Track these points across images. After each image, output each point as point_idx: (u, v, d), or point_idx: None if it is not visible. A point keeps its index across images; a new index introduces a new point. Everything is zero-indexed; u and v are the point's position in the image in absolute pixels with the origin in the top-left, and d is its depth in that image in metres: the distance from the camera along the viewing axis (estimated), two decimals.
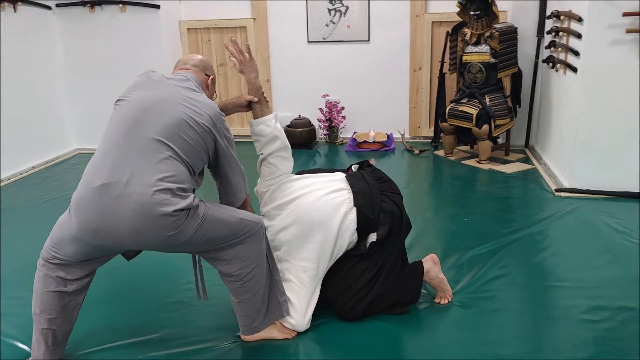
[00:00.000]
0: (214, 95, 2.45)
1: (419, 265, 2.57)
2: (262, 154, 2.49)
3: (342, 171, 2.63)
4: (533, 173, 4.54)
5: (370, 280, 2.44)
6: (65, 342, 2.23)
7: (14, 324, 2.53)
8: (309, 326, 2.39)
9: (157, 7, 5.31)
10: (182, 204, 1.93)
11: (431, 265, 2.57)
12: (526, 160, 4.91)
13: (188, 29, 5.77)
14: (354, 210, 2.38)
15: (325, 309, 2.50)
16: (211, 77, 2.41)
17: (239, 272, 2.21)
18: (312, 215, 2.35)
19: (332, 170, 2.62)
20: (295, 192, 2.37)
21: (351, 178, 2.50)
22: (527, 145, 5.27)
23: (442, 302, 2.58)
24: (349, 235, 2.39)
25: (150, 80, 2.25)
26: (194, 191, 2.10)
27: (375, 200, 2.42)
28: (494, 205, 3.85)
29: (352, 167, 2.70)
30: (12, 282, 2.93)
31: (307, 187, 2.40)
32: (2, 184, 4.70)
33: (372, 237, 2.42)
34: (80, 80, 5.62)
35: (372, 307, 2.45)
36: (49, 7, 5.34)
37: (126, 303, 2.72)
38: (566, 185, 4.07)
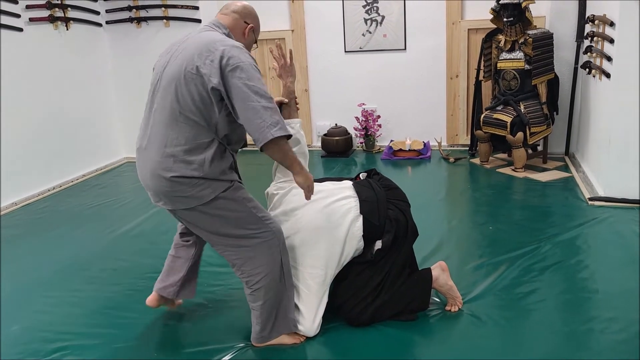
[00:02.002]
0: (254, 46, 2.40)
1: (427, 272, 2.59)
2: None
3: (350, 179, 2.69)
4: (569, 181, 4.43)
5: (377, 286, 2.48)
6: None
7: (45, 320, 2.73)
8: (318, 331, 2.46)
9: (199, 21, 5.53)
10: (184, 171, 2.10)
11: (439, 272, 2.59)
12: (565, 168, 4.80)
13: None
14: (361, 217, 2.44)
15: (333, 314, 2.56)
16: (250, 25, 2.33)
17: (248, 278, 2.30)
18: (319, 222, 2.41)
19: (341, 179, 2.68)
20: (303, 198, 2.46)
21: (358, 186, 2.56)
22: (567, 152, 5.14)
23: (452, 309, 2.59)
24: (356, 243, 2.45)
25: (173, 44, 2.29)
26: (219, 146, 2.15)
27: (382, 207, 2.47)
28: (523, 214, 3.79)
29: (360, 175, 2.75)
30: (50, 282, 3.15)
31: (315, 195, 2.47)
32: (54, 191, 5.02)
33: (378, 244, 2.47)
34: (128, 93, 5.92)
35: (379, 313, 2.49)
36: (99, 24, 5.67)
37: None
38: (601, 194, 3.96)
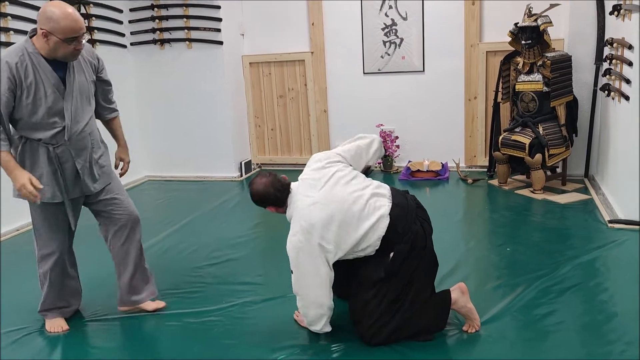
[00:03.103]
0: (72, 45, 2.39)
1: (446, 294, 2.59)
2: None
3: None
4: (589, 204, 4.40)
5: (392, 305, 2.49)
6: None
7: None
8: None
9: (221, 43, 5.65)
10: None
11: (459, 294, 2.59)
12: (584, 190, 4.77)
13: (250, 63, 6.08)
14: (388, 219, 2.47)
15: (349, 332, 2.57)
16: (42, 30, 2.36)
17: None
18: (351, 207, 2.44)
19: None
20: (348, 177, 2.53)
21: (394, 190, 2.62)
22: (586, 175, 5.11)
23: (469, 330, 2.58)
24: (374, 240, 2.46)
25: None
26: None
27: (409, 217, 2.51)
28: (541, 236, 3.78)
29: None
30: None
31: (363, 183, 2.55)
32: None
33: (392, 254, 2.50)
34: (150, 112, 6.04)
35: (396, 333, 2.50)
36: (124, 46, 5.82)
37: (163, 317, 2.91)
38: (621, 216, 3.93)
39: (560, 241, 3.66)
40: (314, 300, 2.51)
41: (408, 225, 2.49)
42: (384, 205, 2.49)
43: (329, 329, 2.58)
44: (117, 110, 2.98)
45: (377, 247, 2.48)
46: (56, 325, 2.80)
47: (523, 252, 3.51)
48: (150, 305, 2.96)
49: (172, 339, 2.70)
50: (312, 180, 2.54)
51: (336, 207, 2.42)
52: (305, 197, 2.49)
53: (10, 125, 2.52)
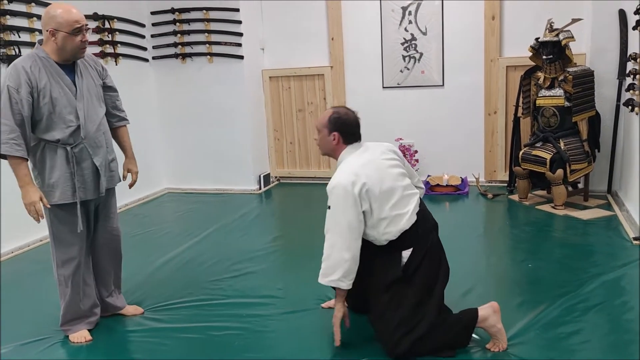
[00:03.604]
0: (78, 37, 2.55)
1: (473, 311, 2.56)
2: None
3: None
4: (612, 220, 4.35)
5: (416, 307, 2.49)
6: None
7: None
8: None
9: (242, 57, 5.71)
10: None
11: (490, 312, 2.55)
12: (607, 206, 4.71)
13: (270, 77, 6.13)
14: (415, 217, 2.55)
15: (371, 343, 2.56)
16: (49, 30, 2.54)
17: None
18: (393, 187, 2.55)
19: None
20: (399, 169, 2.66)
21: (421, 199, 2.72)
22: (609, 191, 5.05)
23: (493, 349, 2.55)
24: (396, 230, 2.52)
25: None
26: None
27: (428, 224, 2.60)
28: (564, 253, 3.73)
29: None
30: None
31: (406, 179, 2.66)
32: None
33: (405, 254, 2.54)
34: (171, 125, 6.10)
35: (417, 345, 2.47)
36: (146, 60, 5.91)
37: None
38: None
39: (584, 258, 3.61)
40: (341, 244, 2.49)
41: (427, 231, 2.60)
42: (415, 203, 2.59)
43: (345, 285, 2.52)
44: (126, 120, 3.05)
45: (393, 239, 2.53)
46: (79, 335, 2.82)
47: (545, 268, 3.46)
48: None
49: (194, 352, 2.69)
50: (373, 151, 2.64)
51: (383, 178, 2.53)
52: (362, 156, 2.59)
53: (36, 132, 2.63)
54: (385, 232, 2.54)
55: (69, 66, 2.66)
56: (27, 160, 2.58)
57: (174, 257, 4.02)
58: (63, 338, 2.86)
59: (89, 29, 2.66)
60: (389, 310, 2.50)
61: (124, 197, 5.63)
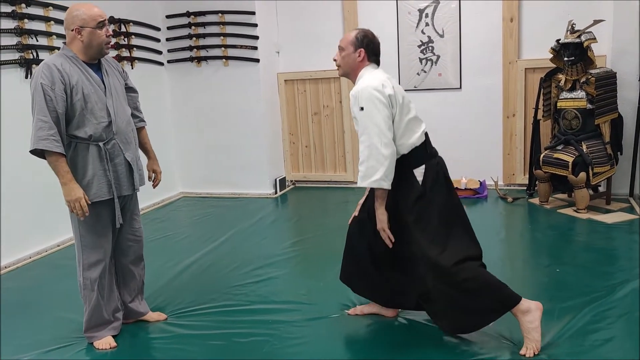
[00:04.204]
0: (103, 31, 2.60)
1: (515, 295, 2.52)
2: None
3: None
4: (636, 224, 4.28)
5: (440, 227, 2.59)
6: None
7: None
8: None
9: (257, 60, 5.68)
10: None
11: (534, 307, 2.51)
12: (630, 210, 4.64)
13: (285, 80, 6.10)
14: (424, 137, 2.70)
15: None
16: (74, 29, 2.57)
17: None
18: (410, 105, 2.67)
19: None
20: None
21: None
22: (631, 194, 4.98)
23: (527, 354, 2.49)
24: (407, 142, 2.60)
25: None
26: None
27: (434, 149, 2.76)
28: (590, 257, 3.67)
29: None
30: None
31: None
32: None
33: (418, 172, 2.61)
34: (186, 129, 6.08)
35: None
36: (161, 64, 5.89)
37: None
38: None
39: (610, 263, 3.56)
40: (379, 142, 2.49)
41: (434, 153, 2.73)
42: (424, 127, 2.72)
43: (386, 185, 2.53)
44: (144, 122, 3.07)
45: (405, 152, 2.60)
46: (104, 342, 2.79)
47: (573, 273, 3.41)
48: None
49: (221, 359, 2.66)
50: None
51: (403, 94, 2.64)
52: (384, 74, 2.65)
53: (67, 131, 2.62)
54: (400, 143, 2.58)
55: (95, 65, 2.70)
56: (66, 157, 2.57)
57: (194, 261, 3.99)
58: (87, 345, 2.83)
59: (108, 23, 2.71)
60: (416, 231, 2.58)
61: (140, 202, 5.61)
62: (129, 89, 2.94)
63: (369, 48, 2.66)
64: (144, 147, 3.09)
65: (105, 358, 2.73)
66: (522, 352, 2.51)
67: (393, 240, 2.63)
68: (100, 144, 2.64)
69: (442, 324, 2.67)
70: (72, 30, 2.57)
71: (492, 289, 2.52)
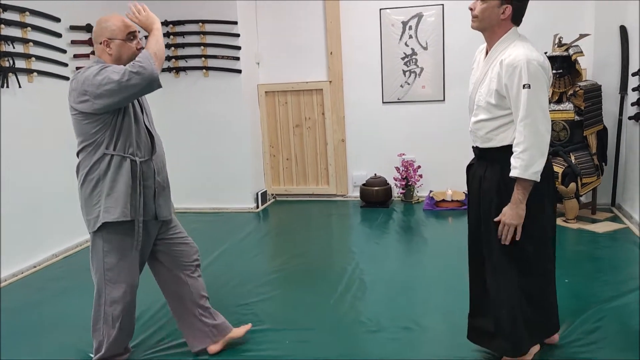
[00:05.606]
0: (133, 44, 2.44)
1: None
2: None
3: None
4: (626, 232, 4.37)
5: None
6: None
7: None
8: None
9: (239, 71, 5.54)
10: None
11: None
12: (615, 219, 4.75)
13: (266, 91, 5.98)
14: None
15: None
16: (102, 41, 2.40)
17: None
18: None
19: None
20: None
21: None
22: (613, 203, 5.10)
23: None
24: None
25: None
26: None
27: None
28: (594, 267, 3.71)
29: None
30: None
31: None
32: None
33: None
34: (163, 142, 5.82)
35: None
36: None
37: None
38: None
39: (616, 271, 3.59)
40: (543, 127, 2.22)
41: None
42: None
43: (538, 178, 2.24)
44: None
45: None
46: None
47: (583, 283, 3.42)
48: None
49: None
50: None
51: None
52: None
53: (104, 144, 2.39)
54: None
55: None
56: None
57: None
58: None
59: (142, 37, 2.49)
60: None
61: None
62: None
63: (518, 6, 2.28)
64: None
65: None
66: None
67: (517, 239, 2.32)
68: (137, 160, 2.42)
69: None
70: (101, 43, 2.40)
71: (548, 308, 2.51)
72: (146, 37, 2.43)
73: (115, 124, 2.37)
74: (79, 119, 2.36)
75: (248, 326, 2.88)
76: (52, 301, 3.59)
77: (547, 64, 2.30)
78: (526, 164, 2.20)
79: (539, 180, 2.24)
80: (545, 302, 2.50)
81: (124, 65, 2.34)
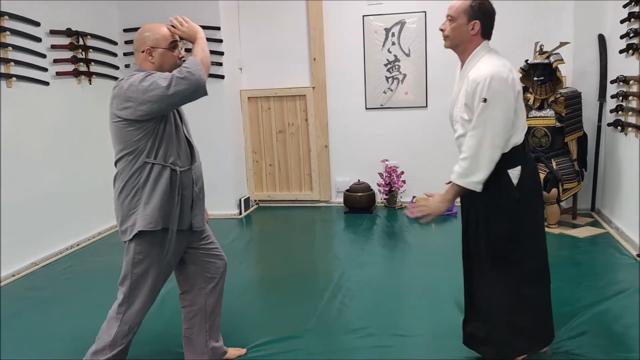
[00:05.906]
0: (176, 51, 2.40)
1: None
2: None
3: None
4: (607, 237, 4.45)
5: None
6: None
7: None
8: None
9: (222, 77, 5.51)
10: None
11: None
12: (595, 224, 4.83)
13: (248, 97, 5.95)
14: (523, 134, 2.40)
15: None
16: (145, 49, 2.36)
17: None
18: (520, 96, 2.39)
19: None
20: None
21: None
22: (592, 208, 5.19)
23: None
24: (513, 139, 2.34)
25: None
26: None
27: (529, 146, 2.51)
28: (577, 272, 3.75)
29: None
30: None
31: None
32: (75, 249, 4.78)
33: (513, 173, 2.36)
34: None
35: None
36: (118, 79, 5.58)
37: None
38: None
39: (599, 276, 3.64)
40: (491, 141, 2.24)
41: (528, 154, 2.49)
42: (525, 119, 2.46)
43: (479, 189, 2.30)
44: None
45: (506, 150, 2.32)
46: None
47: (567, 288, 3.45)
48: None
49: None
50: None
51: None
52: (501, 58, 2.35)
53: (145, 152, 2.33)
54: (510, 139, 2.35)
55: None
56: None
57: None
58: None
59: (183, 46, 2.48)
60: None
61: (102, 224, 5.27)
62: None
63: (485, 21, 2.34)
64: None
65: None
66: None
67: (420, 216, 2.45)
68: (178, 170, 2.37)
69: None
70: (143, 52, 2.36)
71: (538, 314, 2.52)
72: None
73: (157, 131, 2.32)
74: (121, 125, 2.30)
75: (243, 351, 2.84)
76: (33, 311, 3.51)
77: (515, 77, 2.33)
78: (462, 172, 2.30)
79: (478, 190, 2.29)
80: (538, 310, 2.51)
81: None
